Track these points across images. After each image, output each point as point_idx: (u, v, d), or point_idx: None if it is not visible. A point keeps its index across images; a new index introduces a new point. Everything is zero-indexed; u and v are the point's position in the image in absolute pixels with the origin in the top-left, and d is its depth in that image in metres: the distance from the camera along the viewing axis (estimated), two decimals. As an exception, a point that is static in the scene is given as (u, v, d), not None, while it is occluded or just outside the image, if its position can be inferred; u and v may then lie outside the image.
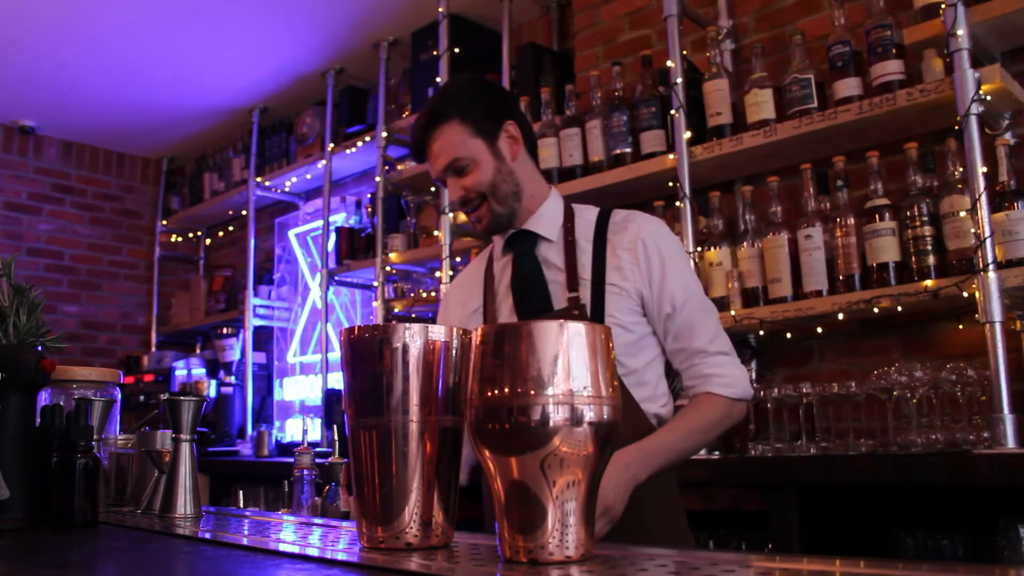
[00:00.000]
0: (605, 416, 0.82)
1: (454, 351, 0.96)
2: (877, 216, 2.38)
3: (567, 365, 0.81)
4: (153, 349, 5.53)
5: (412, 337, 0.94)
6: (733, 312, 2.58)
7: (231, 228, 5.69)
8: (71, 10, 3.91)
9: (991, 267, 2.11)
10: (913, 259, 2.32)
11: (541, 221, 1.74)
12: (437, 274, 3.65)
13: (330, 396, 4.04)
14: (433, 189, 3.89)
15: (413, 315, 3.91)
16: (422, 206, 3.99)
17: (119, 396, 1.72)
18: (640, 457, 1.50)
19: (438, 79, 3.71)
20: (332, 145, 4.45)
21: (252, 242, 5.02)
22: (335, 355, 4.33)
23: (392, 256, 3.95)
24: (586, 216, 1.75)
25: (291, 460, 2.25)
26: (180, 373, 4.85)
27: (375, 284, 3.99)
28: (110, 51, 4.34)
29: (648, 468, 1.50)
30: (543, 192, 1.77)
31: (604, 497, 1.38)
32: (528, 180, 1.74)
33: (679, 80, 2.76)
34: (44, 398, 1.52)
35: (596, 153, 3.02)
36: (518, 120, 1.74)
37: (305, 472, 2.14)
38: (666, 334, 1.67)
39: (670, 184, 2.77)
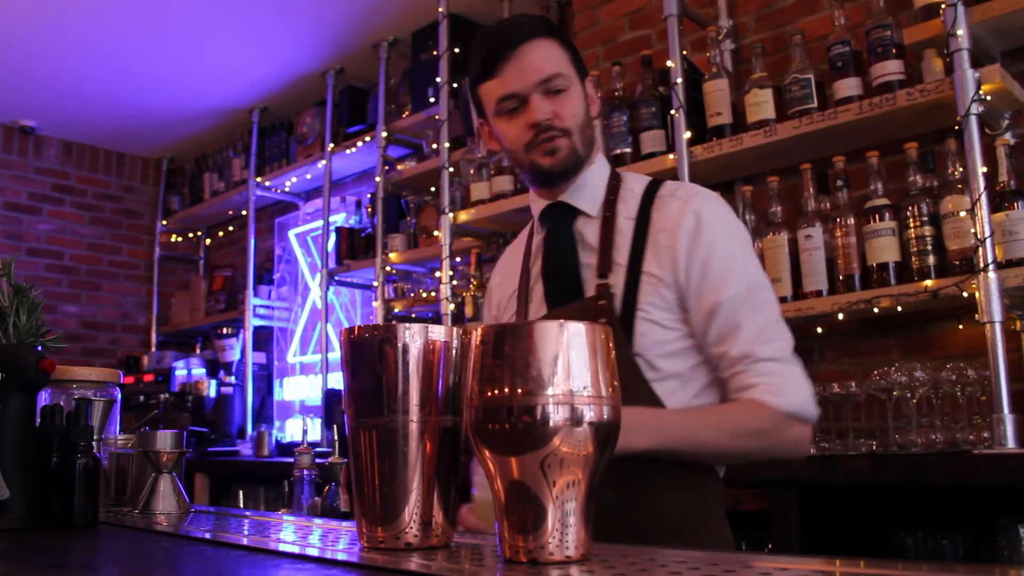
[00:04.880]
0: (605, 416, 0.82)
1: (454, 351, 0.96)
2: (877, 216, 2.38)
3: (567, 365, 0.81)
4: (153, 349, 5.53)
5: (412, 337, 0.94)
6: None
7: (231, 228, 5.70)
8: (71, 10, 3.91)
9: (991, 267, 2.11)
10: (913, 259, 2.32)
11: (581, 192, 1.51)
12: (437, 274, 3.65)
13: (330, 396, 4.04)
14: (433, 189, 3.88)
15: (413, 315, 3.91)
16: (422, 206, 3.99)
17: (119, 396, 1.72)
18: (643, 425, 1.25)
19: (438, 79, 3.71)
20: (332, 145, 4.46)
21: (252, 242, 5.02)
22: (335, 355, 4.33)
23: (392, 256, 3.95)
24: (634, 188, 1.52)
25: (291, 460, 2.25)
26: (180, 373, 4.85)
27: (375, 284, 3.99)
28: (110, 51, 4.34)
29: (651, 442, 1.26)
30: (592, 157, 1.55)
31: None
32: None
33: (679, 80, 2.76)
34: (44, 398, 1.52)
35: (596, 153, 3.01)
36: None
37: (305, 472, 2.15)
38: (707, 337, 1.40)
39: (670, 184, 2.77)
